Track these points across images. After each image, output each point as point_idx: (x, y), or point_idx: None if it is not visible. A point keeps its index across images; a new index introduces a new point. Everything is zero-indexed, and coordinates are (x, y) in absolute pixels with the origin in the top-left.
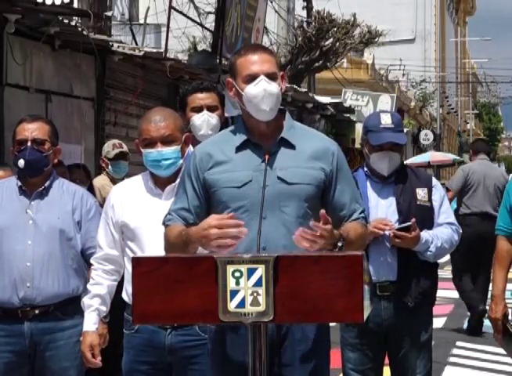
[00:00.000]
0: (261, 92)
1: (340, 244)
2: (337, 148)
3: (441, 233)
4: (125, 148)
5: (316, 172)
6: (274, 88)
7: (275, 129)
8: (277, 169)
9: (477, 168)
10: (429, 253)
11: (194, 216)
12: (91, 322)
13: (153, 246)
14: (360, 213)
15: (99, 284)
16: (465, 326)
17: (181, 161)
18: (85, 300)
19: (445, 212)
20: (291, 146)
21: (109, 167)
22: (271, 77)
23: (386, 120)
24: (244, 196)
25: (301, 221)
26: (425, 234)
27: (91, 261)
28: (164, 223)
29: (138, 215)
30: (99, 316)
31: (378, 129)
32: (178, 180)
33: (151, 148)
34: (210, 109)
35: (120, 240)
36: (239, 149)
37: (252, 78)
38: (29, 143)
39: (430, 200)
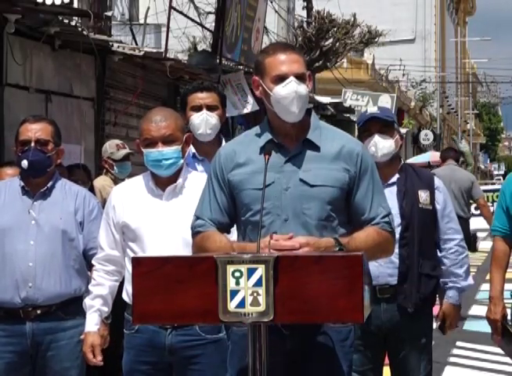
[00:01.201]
0: (292, 94)
1: (336, 250)
2: (362, 149)
3: (457, 266)
4: (128, 148)
5: (340, 174)
6: (303, 89)
7: (300, 130)
8: (300, 171)
9: (442, 173)
10: (466, 284)
11: (227, 217)
12: (92, 322)
13: (155, 246)
14: (382, 218)
15: (101, 285)
16: (465, 326)
17: (181, 161)
18: (87, 301)
19: (447, 216)
20: (316, 148)
21: (115, 168)
22: (300, 77)
23: (373, 109)
24: (266, 198)
25: (323, 223)
26: (452, 293)
27: (93, 262)
28: (194, 229)
29: (139, 215)
30: (101, 316)
31: (364, 117)
32: (179, 180)
33: (152, 148)
34: (210, 108)
35: (121, 241)
36: (263, 149)
37: (281, 79)
38: (32, 144)
39: (432, 203)
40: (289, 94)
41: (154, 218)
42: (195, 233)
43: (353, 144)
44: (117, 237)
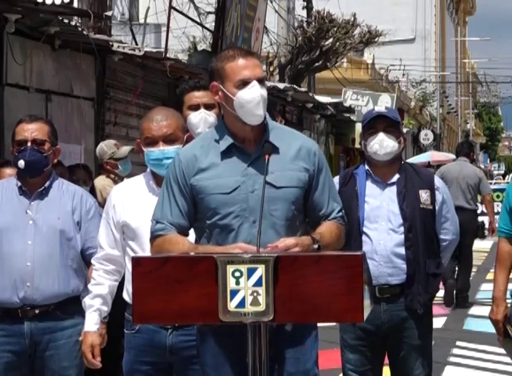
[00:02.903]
0: (258, 97)
1: (315, 247)
2: (317, 147)
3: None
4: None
5: (301, 174)
6: (265, 92)
7: (259, 132)
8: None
9: (452, 168)
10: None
11: (187, 221)
12: (92, 322)
13: None
14: (338, 212)
15: (101, 284)
16: (465, 326)
17: None
18: (86, 300)
19: (443, 216)
20: (275, 149)
21: (119, 167)
22: (261, 81)
23: (380, 108)
24: (234, 201)
25: (289, 223)
26: None
27: (92, 261)
28: (155, 232)
29: (139, 214)
30: (101, 316)
31: (371, 114)
32: None
33: (153, 147)
34: (208, 107)
35: (121, 240)
36: (224, 154)
37: (245, 83)
38: (29, 144)
39: (433, 202)
40: (255, 97)
41: None
42: (155, 236)
43: (310, 143)
44: (117, 236)
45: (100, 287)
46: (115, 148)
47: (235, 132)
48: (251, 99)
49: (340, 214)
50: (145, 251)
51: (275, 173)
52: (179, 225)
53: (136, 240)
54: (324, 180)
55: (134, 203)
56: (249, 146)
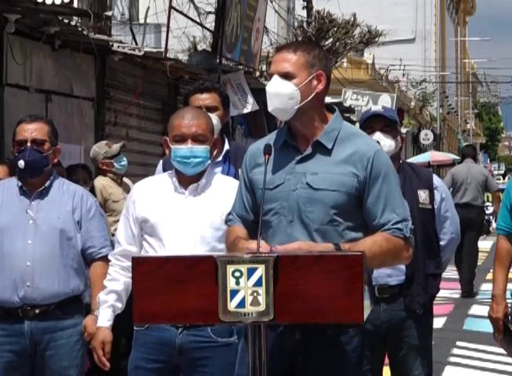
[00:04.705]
0: (267, 93)
1: None
2: (375, 153)
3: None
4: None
5: (347, 178)
6: (280, 88)
7: (315, 130)
8: (307, 174)
9: (460, 169)
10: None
11: (251, 214)
12: (105, 318)
13: (173, 242)
14: (394, 224)
15: (116, 280)
16: (465, 326)
17: (209, 162)
18: (101, 295)
19: (442, 215)
20: (326, 150)
21: (115, 164)
22: (284, 76)
23: (376, 107)
24: (275, 198)
25: (326, 228)
26: None
27: (109, 256)
28: (226, 223)
29: (159, 211)
30: (114, 312)
31: (368, 113)
32: (202, 180)
33: (181, 144)
34: (210, 109)
35: (139, 236)
36: (279, 149)
37: (271, 78)
38: (29, 144)
39: (431, 202)
40: (267, 93)
41: (174, 214)
42: (227, 226)
43: (366, 148)
44: (135, 233)
45: (115, 282)
46: (106, 147)
47: (291, 129)
48: (267, 93)
49: (398, 226)
50: (163, 246)
51: (319, 174)
52: (242, 217)
53: (155, 236)
54: (380, 188)
55: (154, 199)
56: (303, 144)
